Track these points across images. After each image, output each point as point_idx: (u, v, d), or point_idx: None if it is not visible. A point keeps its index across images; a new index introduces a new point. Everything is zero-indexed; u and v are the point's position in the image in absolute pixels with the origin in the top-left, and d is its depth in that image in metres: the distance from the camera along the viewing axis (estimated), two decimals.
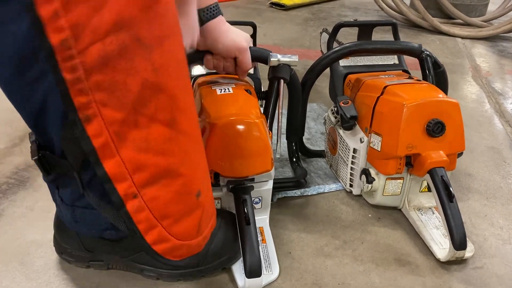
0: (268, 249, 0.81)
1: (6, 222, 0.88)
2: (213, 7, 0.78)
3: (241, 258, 0.72)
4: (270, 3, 2.76)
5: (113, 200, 0.52)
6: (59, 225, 0.74)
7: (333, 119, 1.03)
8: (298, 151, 1.06)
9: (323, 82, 1.46)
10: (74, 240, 0.72)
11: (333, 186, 1.03)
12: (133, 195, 0.52)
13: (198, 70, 0.97)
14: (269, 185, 0.83)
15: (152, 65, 0.47)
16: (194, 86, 0.91)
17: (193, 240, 0.60)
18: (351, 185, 0.99)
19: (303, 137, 1.11)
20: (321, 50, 1.55)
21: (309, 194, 1.00)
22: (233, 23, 0.83)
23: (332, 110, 1.06)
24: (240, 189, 0.77)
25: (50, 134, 0.56)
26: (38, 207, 0.92)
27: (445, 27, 2.30)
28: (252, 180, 0.79)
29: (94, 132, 0.48)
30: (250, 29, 1.10)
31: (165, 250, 0.58)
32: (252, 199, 0.81)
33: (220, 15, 0.79)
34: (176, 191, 0.55)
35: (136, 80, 0.47)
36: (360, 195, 1.00)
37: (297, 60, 0.84)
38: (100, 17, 0.43)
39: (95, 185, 0.59)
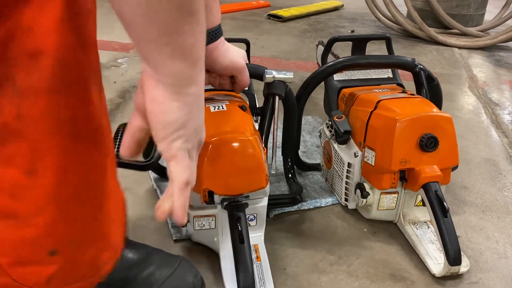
0: (262, 267, 0.81)
1: None
2: (215, 30, 0.77)
3: (235, 278, 0.72)
4: (267, 14, 2.78)
5: None
6: None
7: (327, 133, 1.04)
8: (294, 167, 1.06)
9: (319, 94, 1.47)
10: None
11: (329, 200, 1.03)
12: None
13: None
14: (264, 202, 0.83)
15: (18, 113, 0.45)
16: None
17: None
18: (346, 199, 0.99)
19: (299, 150, 1.11)
20: (317, 63, 1.56)
21: (306, 208, 1.00)
22: (227, 40, 0.83)
23: (327, 124, 1.06)
24: (234, 206, 0.77)
25: None
26: None
27: (442, 37, 2.31)
28: (247, 197, 0.79)
29: None
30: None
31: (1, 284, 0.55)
32: (247, 216, 0.81)
33: (221, 37, 0.79)
34: (22, 237, 0.52)
35: None
36: (355, 209, 1.00)
37: (292, 76, 0.84)
38: None
39: None
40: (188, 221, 0.82)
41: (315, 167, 1.14)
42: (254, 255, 0.83)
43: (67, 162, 0.51)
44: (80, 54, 0.47)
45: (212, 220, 0.83)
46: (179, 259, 0.77)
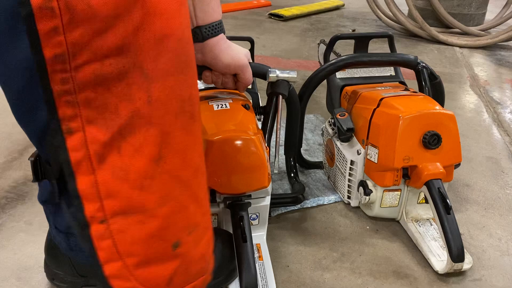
0: (265, 266, 0.81)
1: (5, 236, 0.88)
2: (216, 25, 0.77)
3: (238, 277, 0.72)
4: (269, 14, 2.78)
5: (78, 218, 0.50)
6: (51, 250, 0.72)
7: (330, 131, 1.04)
8: (296, 165, 1.06)
9: (321, 93, 1.47)
10: (67, 266, 0.71)
11: (332, 198, 1.03)
12: (100, 220, 0.50)
13: None
14: (267, 201, 0.83)
15: (148, 97, 0.47)
16: None
17: None
18: (349, 197, 1.00)
19: (301, 149, 1.11)
20: (319, 61, 1.55)
21: (309, 206, 1.01)
22: (230, 38, 0.83)
23: (329, 122, 1.07)
24: (237, 205, 0.77)
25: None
26: (36, 222, 0.92)
27: (443, 37, 2.31)
28: (249, 196, 0.79)
29: (73, 145, 0.47)
30: (248, 42, 1.10)
31: None
32: (249, 215, 0.81)
33: (222, 33, 0.79)
34: (148, 233, 0.52)
35: (128, 107, 0.46)
36: (358, 207, 1.00)
37: (295, 76, 0.84)
38: (103, 40, 0.43)
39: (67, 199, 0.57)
40: None
41: (318, 165, 1.14)
42: (256, 254, 0.83)
43: (189, 143, 0.53)
44: (189, 33, 0.49)
45: (215, 219, 0.83)
46: (215, 230, 0.78)
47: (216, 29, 0.77)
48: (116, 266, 0.52)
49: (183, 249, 0.55)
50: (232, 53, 0.80)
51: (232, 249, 0.75)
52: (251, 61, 0.85)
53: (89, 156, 0.47)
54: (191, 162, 0.53)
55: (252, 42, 1.08)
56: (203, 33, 0.76)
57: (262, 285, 0.77)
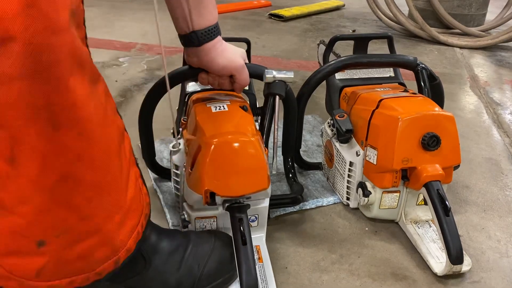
0: (264, 268, 0.81)
1: None
2: (212, 29, 0.76)
3: (238, 279, 0.71)
4: (269, 14, 2.78)
5: None
6: None
7: (329, 132, 1.04)
8: (294, 166, 1.06)
9: (321, 94, 1.47)
10: None
11: (331, 199, 1.03)
12: None
13: (192, 86, 0.97)
14: (266, 203, 0.83)
15: None
16: (188, 103, 0.91)
17: (28, 281, 0.58)
18: (348, 198, 0.99)
19: (300, 149, 1.11)
20: (319, 62, 1.55)
21: (308, 207, 1.00)
22: (227, 39, 0.83)
23: (328, 123, 1.06)
24: (236, 208, 0.76)
25: None
26: None
27: (443, 37, 2.31)
28: (249, 198, 0.78)
29: None
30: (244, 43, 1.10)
31: None
32: (248, 217, 0.80)
33: (218, 36, 0.78)
34: (9, 227, 0.53)
35: None
36: (357, 208, 0.99)
37: (292, 76, 0.84)
38: None
39: None
40: (189, 223, 0.82)
41: (317, 166, 1.14)
42: (256, 256, 0.82)
43: (49, 150, 0.51)
44: (51, 38, 0.46)
45: (214, 221, 0.82)
46: (213, 233, 0.79)
47: (212, 33, 0.76)
48: None
49: (50, 248, 0.57)
50: (228, 55, 0.80)
51: (231, 251, 0.75)
52: (247, 62, 0.85)
53: None
54: (54, 169, 0.53)
55: (248, 43, 1.08)
56: (199, 38, 0.76)
57: (262, 287, 0.77)
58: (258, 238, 0.86)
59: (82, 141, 0.54)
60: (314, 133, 1.32)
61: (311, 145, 1.26)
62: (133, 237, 0.66)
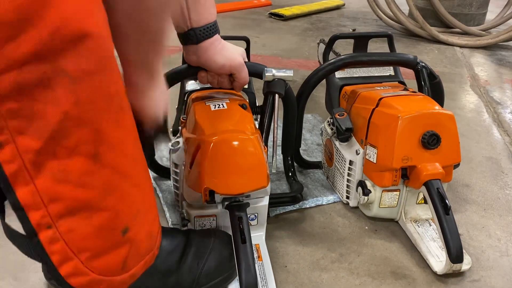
0: (264, 267, 0.81)
1: (2, 235, 0.88)
2: (211, 26, 0.76)
3: (237, 278, 0.71)
4: (269, 13, 2.78)
5: (25, 229, 0.50)
6: None
7: (329, 130, 1.03)
8: (294, 165, 1.06)
9: (320, 93, 1.47)
10: None
11: (331, 198, 1.03)
12: (47, 226, 0.50)
13: (191, 84, 0.97)
14: (265, 201, 0.83)
15: (76, 98, 0.46)
16: (187, 101, 0.91)
17: (116, 277, 0.57)
18: (347, 197, 0.99)
19: (299, 148, 1.11)
20: (319, 61, 1.55)
21: (308, 206, 1.00)
22: (226, 38, 0.83)
23: (328, 122, 1.06)
24: (236, 206, 0.76)
25: None
26: None
27: (443, 36, 2.31)
28: (248, 196, 0.78)
29: (6, 158, 0.46)
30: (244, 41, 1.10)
31: (82, 284, 0.55)
32: (248, 216, 0.80)
33: (217, 34, 0.78)
34: (97, 225, 0.53)
35: (57, 111, 0.46)
36: (357, 207, 0.99)
37: (292, 74, 0.84)
38: (15, 47, 0.41)
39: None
40: (189, 221, 0.81)
41: (316, 165, 1.14)
42: (255, 255, 0.82)
43: (121, 136, 0.53)
44: (108, 30, 0.49)
45: (213, 220, 0.82)
46: (212, 231, 0.79)
47: (210, 30, 0.76)
48: (71, 265, 0.53)
49: (132, 232, 0.57)
50: (227, 53, 0.80)
51: (231, 250, 0.74)
52: (246, 60, 0.85)
53: (24, 166, 0.47)
54: (127, 153, 0.55)
55: (247, 41, 1.07)
56: (197, 36, 0.76)
57: (261, 286, 0.77)
58: (258, 236, 0.86)
59: (133, 123, 0.57)
60: (314, 132, 1.32)
61: (311, 144, 1.26)
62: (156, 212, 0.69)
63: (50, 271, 0.53)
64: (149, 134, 0.76)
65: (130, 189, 0.56)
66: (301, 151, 1.12)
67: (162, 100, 0.71)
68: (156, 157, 1.02)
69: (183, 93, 0.96)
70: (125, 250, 0.57)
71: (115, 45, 0.56)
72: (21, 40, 0.41)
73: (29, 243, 0.52)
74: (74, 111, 0.47)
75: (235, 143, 0.74)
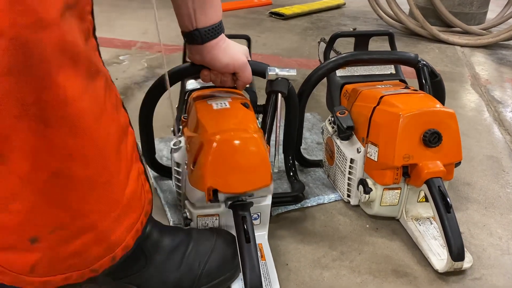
0: (267, 266, 0.80)
1: None
2: (216, 27, 0.76)
3: (241, 277, 0.71)
4: (269, 12, 2.78)
5: None
6: None
7: (330, 129, 1.03)
8: (295, 164, 1.06)
9: (321, 91, 1.46)
10: None
11: (332, 197, 1.03)
12: None
13: (191, 83, 0.96)
14: (268, 200, 0.83)
15: None
16: (189, 100, 0.91)
17: (23, 276, 0.58)
18: (348, 195, 0.99)
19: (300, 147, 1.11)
20: (319, 60, 1.55)
21: (309, 205, 1.00)
22: (227, 36, 0.83)
23: (329, 120, 1.06)
24: (239, 205, 0.76)
25: None
26: None
27: (444, 36, 2.31)
28: (251, 195, 0.78)
29: None
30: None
31: None
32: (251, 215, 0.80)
33: (222, 34, 0.78)
34: (1, 223, 0.54)
35: None
36: (358, 206, 0.99)
37: (295, 74, 0.84)
38: None
39: None
40: (191, 221, 0.81)
41: (317, 164, 1.13)
42: (258, 254, 0.82)
43: (40, 147, 0.51)
44: (38, 33, 0.45)
45: (216, 219, 0.82)
46: (215, 231, 0.79)
47: (216, 30, 0.76)
48: None
49: (43, 244, 0.57)
50: (231, 52, 0.79)
51: (233, 249, 0.74)
52: (249, 59, 0.84)
53: None
54: (45, 166, 0.52)
55: (249, 40, 1.07)
56: (202, 36, 0.75)
57: (265, 285, 0.77)
58: (261, 236, 0.86)
59: (74, 137, 0.53)
60: (314, 131, 1.32)
61: (311, 143, 1.26)
62: (132, 234, 0.66)
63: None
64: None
65: (44, 204, 0.54)
66: (301, 150, 1.12)
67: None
68: (156, 156, 1.02)
69: (184, 92, 0.96)
70: (35, 257, 0.57)
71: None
72: None
73: None
74: None
75: (239, 142, 0.74)
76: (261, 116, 0.90)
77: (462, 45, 2.28)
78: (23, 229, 0.55)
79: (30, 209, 0.54)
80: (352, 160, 0.94)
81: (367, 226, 0.94)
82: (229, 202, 0.76)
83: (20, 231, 0.55)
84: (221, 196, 0.76)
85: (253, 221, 0.83)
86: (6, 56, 0.44)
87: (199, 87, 0.94)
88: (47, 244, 0.57)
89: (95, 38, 0.58)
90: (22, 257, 0.57)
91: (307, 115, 1.40)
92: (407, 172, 0.87)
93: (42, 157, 0.51)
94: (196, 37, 0.76)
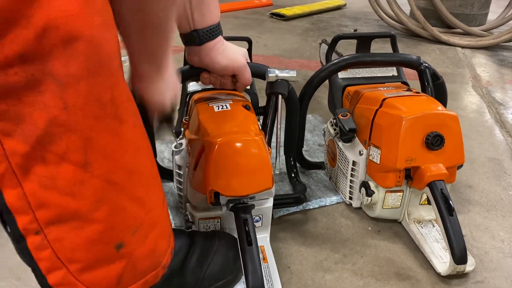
0: (269, 269, 0.80)
1: (5, 235, 0.87)
2: (214, 28, 0.76)
3: (243, 280, 0.71)
4: (270, 13, 2.78)
5: (12, 232, 0.49)
6: None
7: (332, 131, 1.03)
8: (297, 166, 1.05)
9: (323, 93, 1.46)
10: None
11: (334, 199, 1.02)
12: (35, 231, 0.49)
13: (193, 86, 0.96)
14: (270, 203, 0.82)
15: (64, 104, 0.45)
16: (190, 102, 0.91)
17: None
18: (350, 198, 0.99)
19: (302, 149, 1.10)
20: (320, 61, 1.55)
21: (311, 207, 1.00)
22: (228, 38, 0.83)
23: (331, 122, 1.06)
24: (241, 208, 0.75)
25: None
26: None
27: (445, 37, 2.30)
28: (253, 198, 0.77)
29: None
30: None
31: None
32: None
33: (219, 35, 0.77)
34: (87, 237, 0.51)
35: (44, 116, 0.44)
36: (360, 208, 0.99)
37: (295, 75, 0.83)
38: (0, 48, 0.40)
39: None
40: (193, 223, 0.81)
41: (319, 165, 1.13)
42: (260, 257, 0.82)
43: (116, 146, 0.51)
44: (106, 33, 0.47)
45: (218, 222, 0.82)
46: (217, 233, 0.78)
47: (213, 32, 0.76)
48: (60, 274, 0.52)
49: (128, 249, 0.55)
50: (230, 54, 0.79)
51: (235, 252, 0.74)
52: (249, 61, 0.84)
53: (11, 169, 0.46)
54: (122, 165, 0.52)
55: (250, 42, 1.07)
56: (200, 37, 0.75)
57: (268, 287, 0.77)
58: (262, 238, 0.86)
59: (137, 133, 0.54)
60: (315, 133, 1.32)
61: (312, 145, 1.25)
62: (170, 223, 0.67)
63: (38, 279, 0.52)
64: (155, 124, 0.75)
65: (125, 203, 0.54)
66: (302, 152, 1.12)
67: (169, 91, 0.71)
68: (157, 159, 1.02)
69: (185, 95, 0.95)
70: (121, 265, 0.55)
71: (121, 35, 0.55)
72: (5, 41, 0.40)
73: (17, 247, 0.51)
74: (62, 117, 0.45)
75: (240, 144, 0.74)
76: (262, 118, 0.90)
77: (463, 47, 2.28)
78: (109, 237, 0.53)
79: (114, 212, 0.53)
80: (354, 163, 0.94)
81: (369, 228, 0.94)
82: (231, 205, 0.76)
83: (106, 240, 0.53)
84: (222, 199, 0.76)
85: (255, 223, 0.83)
86: (85, 59, 0.45)
87: (200, 89, 0.94)
88: (131, 247, 0.55)
89: None
90: (109, 269, 0.54)
91: (309, 117, 1.40)
92: (410, 175, 0.87)
93: (120, 155, 0.52)
94: (193, 38, 0.76)
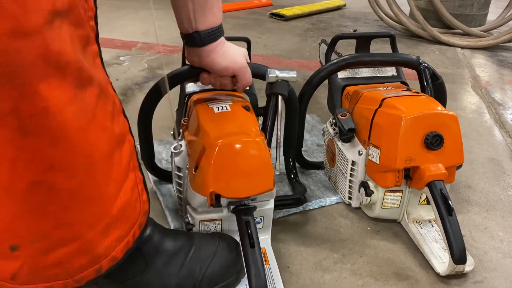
0: (271, 271, 0.80)
1: None
2: (215, 30, 0.75)
3: (246, 282, 0.70)
4: (270, 13, 2.77)
5: None
6: None
7: (331, 131, 1.03)
8: (296, 167, 1.05)
9: (322, 93, 1.46)
10: None
11: (334, 199, 1.02)
12: None
13: (191, 86, 0.96)
14: (271, 204, 0.82)
15: None
16: (189, 103, 0.90)
17: (5, 283, 0.58)
18: (350, 198, 0.99)
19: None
20: (320, 61, 1.55)
21: (311, 208, 1.00)
22: (227, 38, 0.82)
23: (330, 122, 1.06)
24: (243, 210, 0.75)
25: None
26: None
27: (444, 37, 2.30)
28: (254, 200, 0.77)
29: None
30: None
31: None
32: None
33: (221, 37, 0.77)
34: None
35: None
36: (359, 208, 0.99)
37: (295, 76, 0.83)
38: None
39: None
40: (193, 226, 0.81)
41: (318, 165, 1.13)
42: (263, 259, 0.81)
43: (18, 157, 0.50)
44: (17, 41, 0.44)
45: (219, 224, 0.81)
46: (217, 235, 0.78)
47: (215, 34, 0.75)
48: None
49: (24, 253, 0.56)
50: (230, 55, 0.79)
51: (235, 255, 0.74)
52: (249, 61, 0.84)
53: None
54: (23, 176, 0.51)
55: (248, 42, 1.07)
56: (202, 39, 0.75)
57: None
58: (264, 240, 0.85)
59: (56, 148, 0.51)
60: (313, 133, 1.32)
61: (311, 145, 1.25)
62: (121, 247, 0.64)
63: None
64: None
65: (23, 214, 0.54)
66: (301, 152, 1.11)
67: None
68: (155, 160, 1.02)
69: (184, 96, 0.95)
70: (15, 264, 0.57)
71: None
72: None
73: None
74: None
75: (241, 146, 0.73)
76: (261, 118, 0.90)
77: (462, 47, 2.28)
78: (4, 237, 0.55)
79: (11, 217, 0.54)
80: (353, 163, 0.94)
81: (369, 228, 0.94)
82: (232, 207, 0.76)
83: (1, 239, 0.55)
84: (223, 201, 0.75)
85: (256, 225, 0.83)
86: None
87: (198, 90, 0.94)
88: (28, 253, 0.57)
89: (98, 43, 0.57)
90: (3, 264, 0.57)
91: (307, 117, 1.39)
92: (409, 175, 0.87)
93: (21, 167, 0.51)
94: (195, 39, 0.75)
